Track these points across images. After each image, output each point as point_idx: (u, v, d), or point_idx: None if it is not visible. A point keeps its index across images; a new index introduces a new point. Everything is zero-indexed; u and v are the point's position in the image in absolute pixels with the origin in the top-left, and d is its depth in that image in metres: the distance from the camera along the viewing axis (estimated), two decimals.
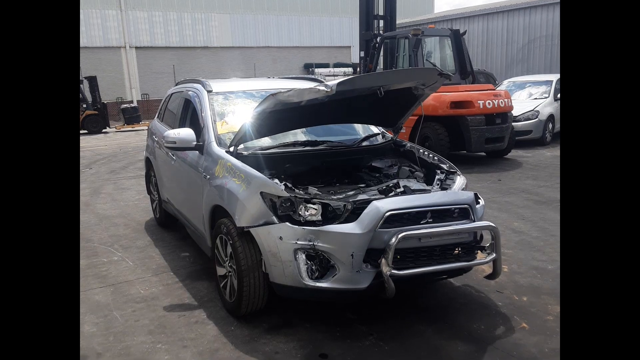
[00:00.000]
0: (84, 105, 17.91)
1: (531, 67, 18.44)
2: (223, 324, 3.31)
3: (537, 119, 10.61)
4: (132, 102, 22.56)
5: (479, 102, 8.57)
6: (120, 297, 3.78)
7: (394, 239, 2.90)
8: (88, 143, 14.64)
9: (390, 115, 4.11)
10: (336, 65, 28.06)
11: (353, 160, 4.01)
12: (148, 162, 5.73)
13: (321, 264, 3.01)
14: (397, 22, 12.47)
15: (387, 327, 3.23)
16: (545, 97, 11.09)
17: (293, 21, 27.89)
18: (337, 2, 28.84)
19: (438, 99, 8.61)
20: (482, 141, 8.62)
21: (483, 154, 9.55)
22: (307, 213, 3.03)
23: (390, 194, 3.25)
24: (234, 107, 4.19)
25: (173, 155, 4.53)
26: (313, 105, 3.37)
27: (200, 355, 2.96)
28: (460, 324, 3.27)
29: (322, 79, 4.50)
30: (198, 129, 4.02)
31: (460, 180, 3.60)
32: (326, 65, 27.90)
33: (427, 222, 3.08)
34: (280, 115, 3.45)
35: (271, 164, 3.66)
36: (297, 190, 3.15)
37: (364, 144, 4.13)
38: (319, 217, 3.03)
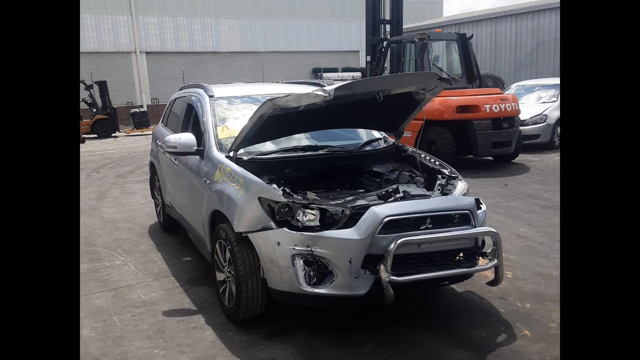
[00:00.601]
0: (94, 110, 18.08)
1: (540, 71, 18.29)
2: (221, 330, 3.30)
3: (545, 122, 10.49)
4: (142, 106, 22.70)
5: (485, 106, 8.50)
6: (121, 302, 3.78)
7: (392, 245, 2.87)
8: (97, 147, 14.76)
9: (392, 120, 4.09)
10: (345, 70, 28.05)
11: (354, 165, 3.98)
12: (152, 166, 5.75)
13: (319, 269, 2.99)
14: (405, 26, 12.45)
15: (387, 334, 3.19)
16: (554, 101, 10.97)
17: (302, 26, 27.96)
18: (345, 7, 28.87)
19: (444, 103, 8.56)
20: (488, 145, 8.55)
21: (490, 158, 9.47)
22: (305, 218, 3.01)
23: (389, 200, 3.22)
24: (235, 112, 4.19)
25: (175, 160, 4.54)
26: (313, 110, 3.36)
27: None
28: (461, 331, 3.23)
29: (330, 84, 4.50)
30: (200, 133, 4.03)
31: (461, 186, 3.56)
32: (335, 70, 27.90)
33: (427, 228, 3.05)
34: (280, 120, 3.44)
35: (271, 169, 3.65)
36: (295, 196, 3.14)
37: (365, 148, 4.10)
38: (317, 223, 3.01)
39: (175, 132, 4.73)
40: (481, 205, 3.45)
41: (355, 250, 2.90)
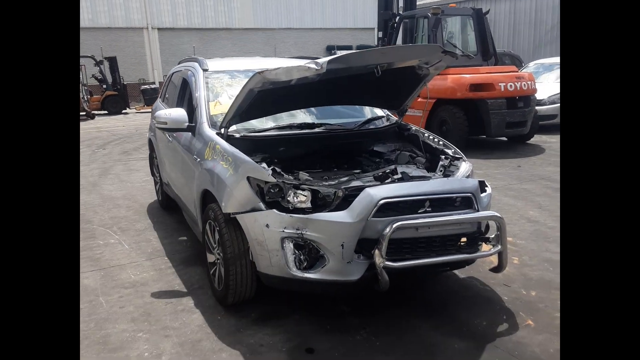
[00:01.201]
0: (104, 86, 18.03)
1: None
2: (210, 313, 3.17)
3: None
4: (153, 83, 22.57)
5: (500, 84, 8.19)
6: (109, 282, 3.68)
7: (387, 229, 2.70)
8: (106, 124, 14.72)
9: (395, 97, 3.86)
10: (359, 47, 27.52)
11: (353, 144, 3.78)
12: (150, 143, 5.62)
13: (310, 254, 2.84)
14: (419, 1, 12.03)
15: (381, 321, 3.05)
16: None
17: (316, 2, 27.39)
18: None
19: (457, 81, 8.27)
20: (502, 125, 8.26)
21: (504, 138, 9.18)
22: (296, 200, 2.85)
23: (386, 181, 3.04)
24: (230, 87, 4.00)
25: (169, 136, 4.39)
26: (308, 85, 3.16)
27: (180, 346, 2.83)
28: (460, 319, 3.06)
29: None
30: (193, 109, 3.86)
31: (464, 167, 3.35)
32: (349, 47, 27.37)
33: (426, 212, 2.87)
34: (273, 95, 3.25)
35: (264, 147, 3.47)
36: (286, 176, 2.97)
37: (366, 127, 3.90)
38: (309, 205, 2.84)
39: (171, 107, 4.56)
40: (486, 188, 3.25)
41: (347, 234, 2.73)
